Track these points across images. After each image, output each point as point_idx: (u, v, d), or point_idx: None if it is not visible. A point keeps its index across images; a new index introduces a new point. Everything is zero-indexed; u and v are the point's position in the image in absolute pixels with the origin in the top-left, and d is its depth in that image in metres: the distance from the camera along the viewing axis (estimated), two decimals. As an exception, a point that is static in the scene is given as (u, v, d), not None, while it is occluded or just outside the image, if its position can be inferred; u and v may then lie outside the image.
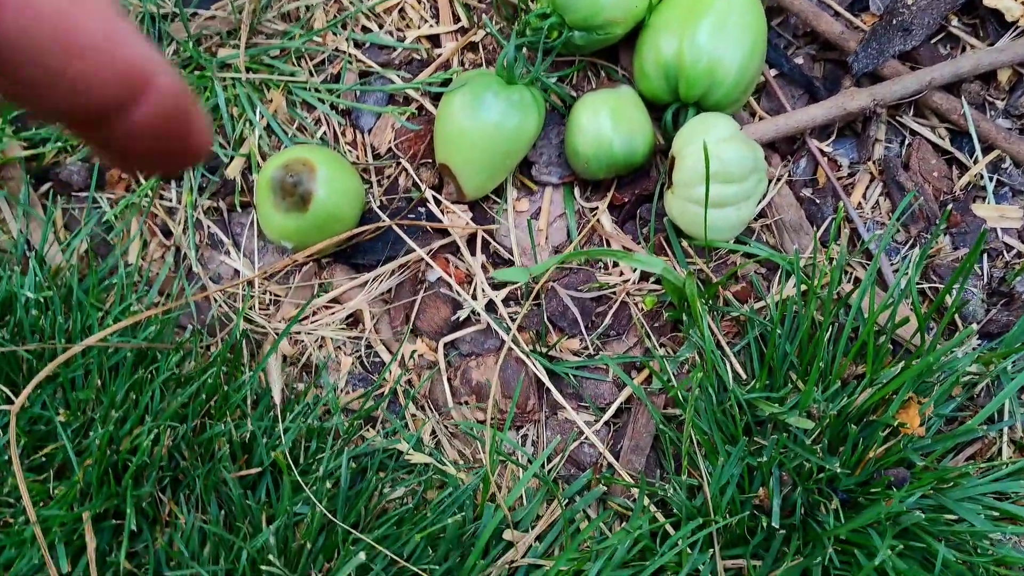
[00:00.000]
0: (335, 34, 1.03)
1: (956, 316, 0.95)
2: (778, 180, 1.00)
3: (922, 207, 0.98)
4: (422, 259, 0.97)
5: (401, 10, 1.06)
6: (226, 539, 0.81)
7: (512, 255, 0.98)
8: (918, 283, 0.96)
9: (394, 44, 1.04)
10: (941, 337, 0.90)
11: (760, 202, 0.98)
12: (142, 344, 0.87)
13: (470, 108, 0.93)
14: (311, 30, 1.03)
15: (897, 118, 1.02)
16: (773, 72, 1.03)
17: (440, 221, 0.98)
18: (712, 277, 0.95)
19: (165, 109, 0.24)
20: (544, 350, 0.95)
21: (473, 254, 0.98)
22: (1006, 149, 0.99)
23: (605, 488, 0.90)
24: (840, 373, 0.87)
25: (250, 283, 0.97)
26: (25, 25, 0.21)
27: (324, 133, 1.01)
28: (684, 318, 0.92)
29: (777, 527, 0.81)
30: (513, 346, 0.94)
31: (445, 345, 0.96)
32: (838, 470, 0.80)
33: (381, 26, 1.05)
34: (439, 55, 1.04)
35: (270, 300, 0.97)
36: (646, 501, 0.87)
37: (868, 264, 0.97)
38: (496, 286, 0.97)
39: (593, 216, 0.99)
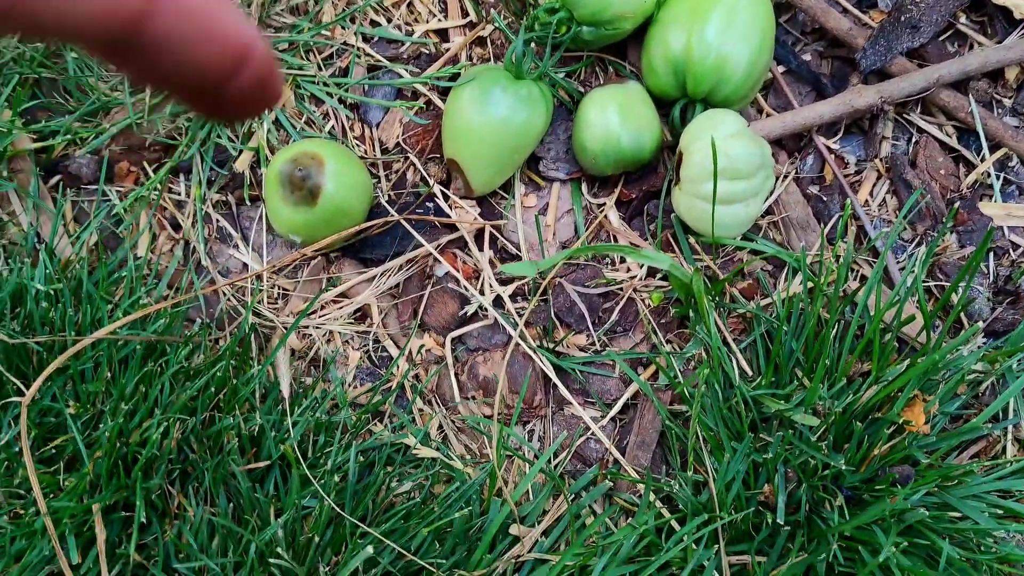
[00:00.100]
0: (344, 28, 1.04)
1: (962, 314, 0.96)
2: (785, 177, 1.00)
3: (929, 205, 0.98)
4: (430, 254, 0.97)
5: (410, 4, 1.06)
6: (235, 532, 0.82)
7: (519, 250, 0.98)
8: (924, 281, 0.96)
9: (402, 38, 1.04)
10: (947, 335, 0.91)
11: (767, 199, 0.98)
12: (151, 337, 0.88)
13: (478, 103, 0.93)
14: (320, 24, 1.03)
15: (904, 116, 1.02)
16: (781, 69, 1.04)
17: (448, 216, 0.98)
18: (719, 274, 0.95)
19: (261, 73, 0.27)
20: (551, 346, 0.95)
21: (481, 249, 0.98)
22: (1013, 147, 0.99)
23: (611, 484, 0.90)
24: (846, 370, 0.87)
25: (259, 277, 0.97)
26: (177, 21, 0.24)
27: (332, 127, 1.01)
28: (691, 314, 0.93)
29: (782, 523, 0.81)
30: (520, 341, 0.94)
31: (452, 340, 0.96)
32: (843, 467, 0.80)
33: (390, 20, 1.05)
34: (447, 50, 1.04)
35: (278, 294, 0.98)
36: (652, 497, 0.87)
37: (874, 261, 0.97)
38: (503, 281, 0.98)
39: (600, 212, 0.99)
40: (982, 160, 1.01)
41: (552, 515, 0.88)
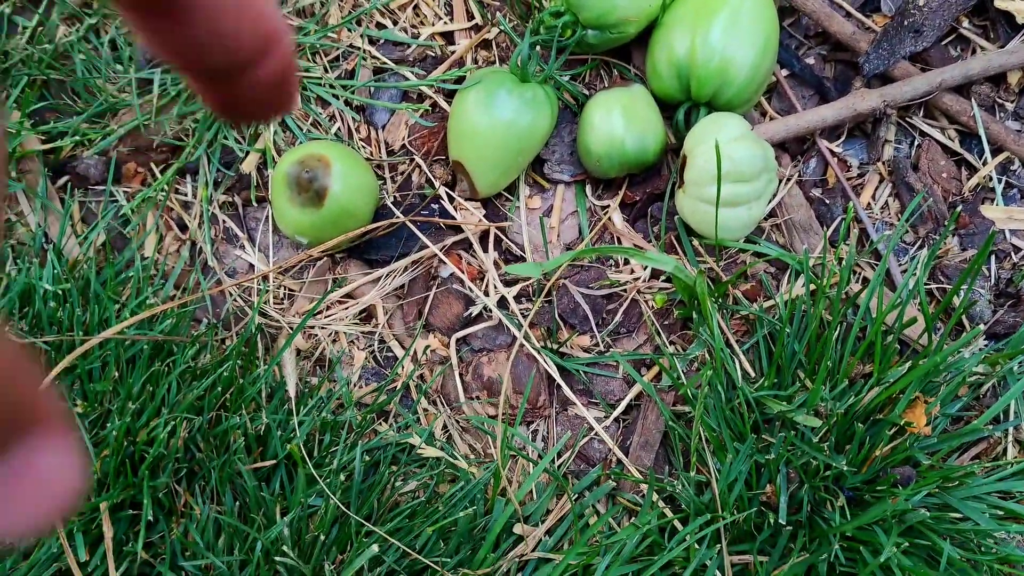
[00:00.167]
0: (350, 30, 1.04)
1: (963, 317, 0.96)
2: (788, 180, 1.00)
3: (931, 208, 0.99)
4: (435, 255, 0.98)
5: (415, 7, 1.06)
6: (241, 530, 0.82)
7: (524, 252, 0.99)
8: (926, 284, 0.97)
9: (408, 41, 1.04)
10: (948, 337, 0.91)
11: (770, 202, 0.99)
12: (158, 337, 0.88)
13: (483, 105, 0.94)
14: (326, 26, 1.04)
15: (907, 119, 1.03)
16: (784, 72, 1.04)
17: (453, 218, 0.99)
18: (722, 276, 0.96)
19: (283, 65, 0.27)
20: (555, 346, 0.96)
21: (485, 251, 0.99)
22: (1015, 151, 1.00)
23: (614, 484, 0.91)
24: (848, 372, 0.88)
25: (265, 277, 0.98)
26: None
27: (338, 129, 1.02)
28: (694, 316, 0.93)
29: (784, 524, 0.82)
30: (524, 342, 0.95)
31: (457, 341, 0.97)
32: (845, 468, 0.81)
33: (395, 23, 1.06)
34: (453, 52, 1.04)
35: (284, 294, 0.98)
36: (655, 497, 0.88)
37: (876, 264, 0.98)
38: (508, 282, 0.98)
39: (605, 214, 1.00)
40: (984, 164, 1.01)
41: (556, 515, 0.89)
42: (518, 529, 0.87)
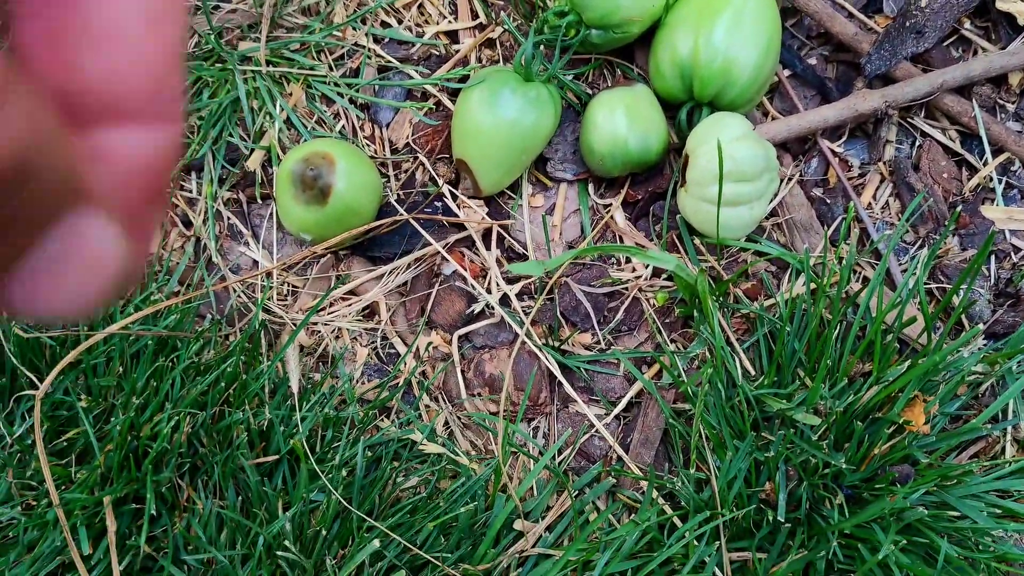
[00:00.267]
0: (355, 29, 1.05)
1: (963, 316, 0.97)
2: (789, 180, 1.01)
3: (931, 208, 0.99)
4: (438, 253, 0.99)
5: (420, 6, 1.07)
6: (243, 525, 0.83)
7: (526, 250, 1.00)
8: (926, 283, 0.97)
9: (413, 40, 1.05)
10: (947, 337, 0.92)
11: (772, 201, 0.99)
12: (163, 332, 0.89)
13: (487, 104, 0.94)
14: (331, 24, 1.04)
15: (908, 120, 1.03)
16: (786, 72, 1.05)
17: (456, 216, 0.99)
18: (723, 274, 0.97)
19: (160, 160, 0.23)
20: (557, 344, 0.96)
21: (488, 248, 0.99)
22: (1016, 152, 1.00)
23: (614, 480, 0.91)
24: (847, 371, 0.88)
25: (269, 274, 0.99)
26: None
27: (343, 127, 1.03)
28: (695, 314, 0.94)
29: (783, 521, 0.82)
30: (526, 339, 0.95)
31: (459, 338, 0.98)
32: (843, 466, 0.81)
33: (400, 21, 1.06)
34: (457, 51, 1.05)
35: (288, 291, 0.99)
36: (654, 494, 0.88)
37: (877, 264, 0.98)
38: (510, 280, 0.99)
39: (607, 213, 1.01)
40: (985, 164, 1.01)
41: (556, 511, 0.90)
42: (518, 525, 0.88)
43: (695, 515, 0.84)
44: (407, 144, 1.02)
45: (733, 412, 0.89)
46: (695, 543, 0.83)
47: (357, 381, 0.96)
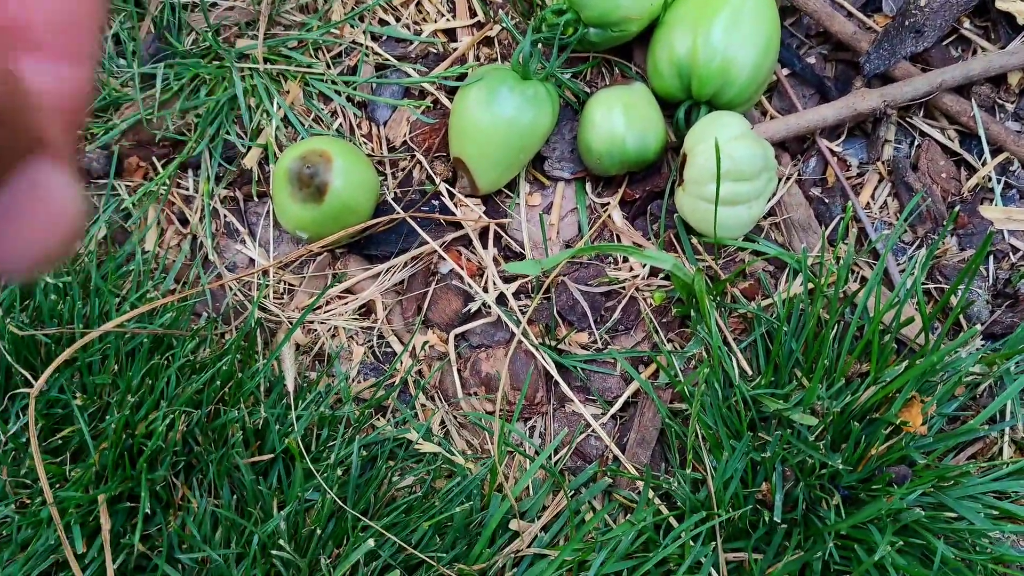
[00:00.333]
0: (352, 27, 1.05)
1: (961, 316, 0.96)
2: (788, 179, 1.01)
3: (930, 208, 0.99)
4: (435, 251, 0.98)
5: (418, 4, 1.07)
6: (238, 523, 0.83)
7: (523, 249, 0.99)
8: (924, 283, 0.97)
9: (411, 38, 1.05)
10: (945, 337, 0.91)
11: (769, 200, 0.99)
12: (158, 330, 0.89)
13: (485, 102, 0.94)
14: (329, 22, 1.04)
15: (907, 119, 1.03)
16: (785, 71, 1.04)
17: (453, 214, 0.99)
18: (720, 274, 0.96)
19: (68, 97, 0.22)
20: (553, 343, 0.96)
21: (485, 247, 0.99)
22: (1015, 152, 1.00)
23: (611, 480, 0.91)
24: (844, 371, 0.88)
25: (265, 272, 0.98)
26: None
27: (340, 125, 1.02)
28: (692, 314, 0.93)
29: (779, 521, 0.82)
30: (523, 339, 0.95)
31: (456, 337, 0.97)
32: (840, 467, 0.81)
33: (398, 19, 1.06)
34: (455, 49, 1.05)
35: (284, 289, 0.99)
36: (651, 494, 0.88)
37: (875, 263, 0.98)
38: (507, 279, 0.99)
39: (604, 212, 1.00)
40: (983, 164, 1.01)
41: (552, 511, 0.89)
42: (514, 525, 0.88)
43: (691, 515, 0.84)
44: (404, 142, 1.02)
45: (730, 412, 0.88)
46: (691, 543, 0.83)
47: (353, 380, 0.96)
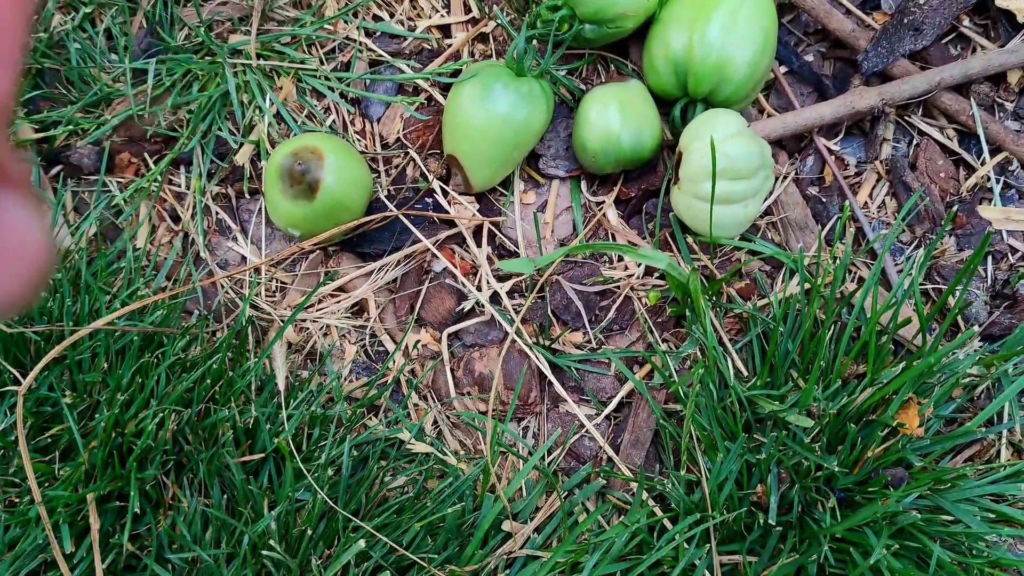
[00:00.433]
0: (346, 22, 1.04)
1: (958, 317, 0.96)
2: (785, 178, 1.00)
3: (928, 208, 0.98)
4: (428, 249, 0.98)
5: (412, 0, 1.06)
6: (228, 523, 0.82)
7: (518, 247, 0.99)
8: (922, 284, 0.96)
9: (405, 34, 1.04)
10: (943, 338, 0.91)
11: (766, 199, 0.98)
12: (149, 328, 0.88)
13: (479, 99, 0.93)
14: (322, 18, 1.03)
15: (905, 118, 1.02)
16: (783, 69, 1.03)
17: (447, 212, 0.98)
18: (716, 273, 0.95)
19: None
20: (547, 343, 0.95)
21: (479, 245, 0.98)
22: (1014, 151, 0.99)
23: (604, 481, 0.91)
24: (841, 372, 0.87)
25: (257, 270, 0.98)
26: None
27: (333, 121, 1.02)
28: (687, 314, 0.93)
29: (774, 524, 0.81)
30: (516, 338, 0.94)
31: (449, 336, 0.97)
32: (836, 469, 0.81)
33: (392, 15, 1.05)
34: (449, 45, 1.04)
35: (276, 287, 0.98)
36: (645, 495, 0.87)
37: (872, 264, 0.97)
38: (501, 278, 0.98)
39: (599, 210, 1.00)
40: (982, 164, 1.00)
41: (545, 512, 0.89)
42: (507, 526, 0.87)
43: (685, 517, 0.83)
44: (398, 139, 1.01)
45: (725, 413, 0.88)
46: (685, 545, 0.82)
47: (345, 379, 0.95)
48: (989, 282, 0.97)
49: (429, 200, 0.99)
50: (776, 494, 0.83)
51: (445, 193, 0.99)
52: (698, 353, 0.93)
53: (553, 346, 0.95)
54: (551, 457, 0.93)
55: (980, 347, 0.95)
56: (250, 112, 1.00)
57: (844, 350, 0.88)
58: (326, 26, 1.03)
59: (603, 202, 1.00)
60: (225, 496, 0.85)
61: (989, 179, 1.00)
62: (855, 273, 0.98)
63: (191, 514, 0.83)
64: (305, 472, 0.83)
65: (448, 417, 0.95)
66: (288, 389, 0.90)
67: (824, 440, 0.85)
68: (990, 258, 0.98)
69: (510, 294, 0.97)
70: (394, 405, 0.94)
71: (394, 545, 0.81)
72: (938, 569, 0.78)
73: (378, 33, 1.04)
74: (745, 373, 0.92)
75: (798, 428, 0.84)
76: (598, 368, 0.95)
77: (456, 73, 1.01)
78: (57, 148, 1.00)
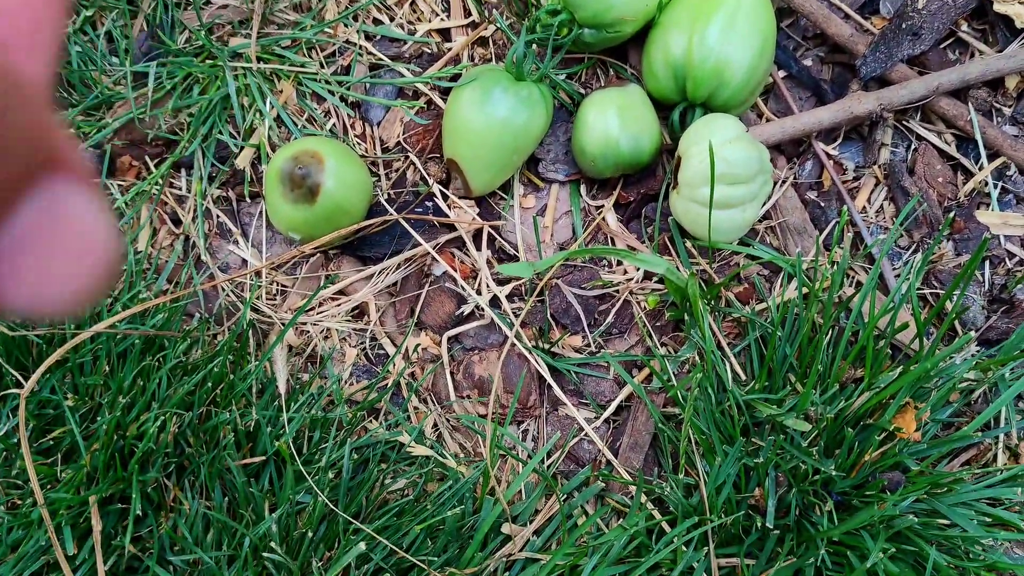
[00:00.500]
0: (346, 26, 1.04)
1: (956, 322, 0.96)
2: (783, 182, 1.00)
3: (926, 212, 0.99)
4: (428, 253, 0.98)
5: (412, 3, 1.06)
6: (229, 525, 0.83)
7: (517, 251, 0.99)
8: (919, 288, 0.97)
9: (405, 37, 1.04)
10: (940, 343, 0.91)
11: (765, 204, 0.99)
12: (150, 331, 0.88)
13: (479, 103, 0.94)
14: (322, 21, 1.03)
15: (904, 123, 1.03)
16: (781, 74, 1.04)
17: (447, 216, 0.99)
18: (715, 278, 0.96)
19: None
20: (546, 346, 0.96)
21: (479, 249, 0.99)
22: (1012, 156, 1.00)
23: (603, 485, 0.91)
24: (839, 376, 0.88)
25: (257, 273, 0.98)
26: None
27: (333, 125, 1.02)
28: (686, 318, 0.93)
29: (771, 527, 0.82)
30: (516, 342, 0.95)
31: (449, 339, 0.97)
32: (833, 473, 0.81)
33: (392, 19, 1.06)
34: (449, 49, 1.04)
35: (277, 290, 0.98)
36: (643, 498, 0.88)
37: (870, 268, 0.97)
38: (500, 281, 0.98)
39: (598, 214, 1.00)
40: (980, 169, 1.01)
41: (544, 515, 0.89)
42: (506, 529, 0.87)
43: (683, 520, 0.84)
44: (398, 143, 1.02)
45: (723, 417, 0.88)
46: (683, 548, 0.83)
47: (345, 382, 0.96)
48: (986, 287, 0.98)
49: (429, 204, 1.00)
50: (774, 497, 0.83)
51: (445, 197, 1.00)
52: (696, 357, 0.93)
53: (552, 350, 0.96)
54: (550, 460, 0.93)
55: (977, 351, 0.95)
56: (250, 115, 1.00)
57: (842, 354, 0.88)
58: (326, 30, 1.03)
59: (602, 206, 1.00)
60: (226, 498, 0.86)
61: (987, 184, 1.01)
62: (853, 277, 0.98)
63: (192, 516, 0.84)
64: (306, 475, 0.83)
65: (448, 420, 0.95)
66: (289, 392, 0.90)
67: (822, 444, 0.85)
68: (987, 263, 0.99)
69: (510, 298, 0.98)
70: (394, 408, 0.94)
71: (394, 547, 0.81)
72: (935, 573, 0.79)
73: (378, 37, 1.05)
74: (743, 377, 0.92)
75: (796, 432, 0.85)
76: (597, 372, 0.96)
77: (456, 77, 1.02)
78: (59, 151, 1.00)
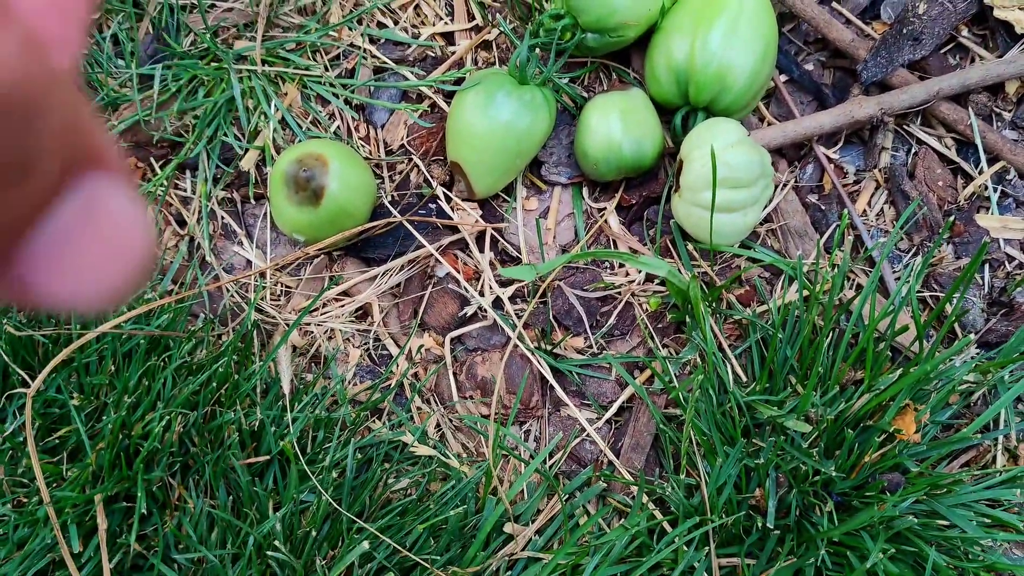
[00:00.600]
0: (351, 29, 1.05)
1: (956, 325, 0.97)
2: (784, 186, 1.01)
3: (926, 216, 0.99)
4: (431, 255, 0.99)
5: (416, 7, 1.07)
6: (233, 524, 0.83)
7: (520, 253, 1.00)
8: (919, 291, 0.97)
9: (409, 41, 1.05)
10: (940, 345, 0.92)
11: (766, 207, 0.99)
12: (155, 332, 0.89)
13: (482, 107, 0.94)
14: (327, 25, 1.04)
15: (904, 127, 1.03)
16: (783, 78, 1.04)
17: (450, 218, 0.99)
18: (716, 280, 0.97)
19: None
20: (549, 347, 0.96)
21: (482, 251, 0.99)
22: (1011, 160, 1.00)
23: (605, 485, 0.92)
24: (839, 378, 0.88)
25: (262, 274, 0.99)
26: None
27: (338, 128, 1.03)
28: (687, 320, 0.94)
29: (772, 527, 0.82)
30: (518, 343, 0.95)
31: (452, 340, 0.98)
32: (834, 474, 0.81)
33: (396, 22, 1.06)
34: (453, 53, 1.05)
35: (281, 291, 0.99)
36: (645, 499, 0.88)
37: (870, 271, 0.98)
38: (503, 283, 0.99)
39: (601, 217, 1.01)
40: (980, 173, 1.01)
41: (546, 514, 0.90)
42: (508, 528, 0.88)
43: (685, 520, 0.84)
44: (402, 146, 1.02)
45: (724, 418, 0.89)
46: (684, 548, 0.83)
47: (349, 382, 0.96)
48: (986, 290, 0.98)
49: (432, 206, 1.00)
50: (774, 498, 0.84)
51: (448, 199, 1.00)
52: (698, 359, 0.94)
53: (555, 351, 0.96)
54: (552, 460, 0.94)
55: (977, 354, 0.96)
56: (255, 118, 1.01)
57: (842, 356, 0.89)
58: (331, 33, 1.04)
59: (604, 209, 1.01)
60: (231, 497, 0.86)
61: (987, 188, 1.01)
62: (853, 280, 0.99)
63: (197, 515, 0.84)
64: (310, 474, 0.84)
65: (451, 420, 0.96)
66: (293, 392, 0.91)
67: (822, 445, 0.86)
68: (987, 266, 0.99)
69: (512, 299, 0.98)
70: (397, 408, 0.95)
71: (397, 547, 0.82)
72: (934, 573, 0.79)
73: (382, 40, 1.05)
74: (744, 379, 0.93)
75: (796, 433, 0.85)
76: (599, 373, 0.96)
77: (459, 80, 1.02)
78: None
